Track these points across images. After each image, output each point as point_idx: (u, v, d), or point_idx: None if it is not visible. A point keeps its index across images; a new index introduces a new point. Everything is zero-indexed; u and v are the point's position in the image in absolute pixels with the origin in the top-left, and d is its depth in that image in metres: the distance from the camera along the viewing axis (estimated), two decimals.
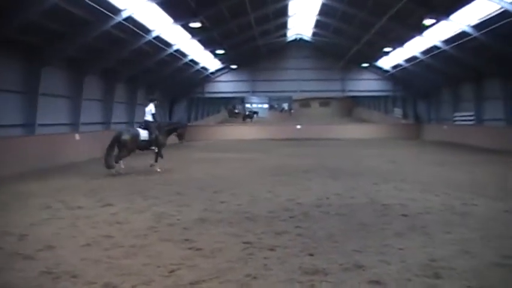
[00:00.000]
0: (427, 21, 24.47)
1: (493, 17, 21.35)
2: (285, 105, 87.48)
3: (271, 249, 7.04)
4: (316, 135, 42.30)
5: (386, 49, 34.34)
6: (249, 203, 11.02)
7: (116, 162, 16.72)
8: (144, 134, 17.39)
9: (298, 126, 46.00)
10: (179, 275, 5.96)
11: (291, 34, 41.78)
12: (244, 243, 7.42)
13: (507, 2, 19.88)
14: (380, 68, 43.06)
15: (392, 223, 8.77)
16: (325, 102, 76.36)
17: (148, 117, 17.77)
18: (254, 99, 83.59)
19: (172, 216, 9.52)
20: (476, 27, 23.49)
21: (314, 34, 40.35)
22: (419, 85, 42.38)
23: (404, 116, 49.38)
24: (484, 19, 22.17)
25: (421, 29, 26.99)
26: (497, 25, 21.39)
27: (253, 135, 42.93)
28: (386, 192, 12.49)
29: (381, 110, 58.59)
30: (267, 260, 6.52)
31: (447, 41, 27.53)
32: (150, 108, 17.81)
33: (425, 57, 32.10)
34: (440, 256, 6.66)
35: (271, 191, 12.78)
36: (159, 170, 17.55)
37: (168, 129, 18.53)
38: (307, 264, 6.30)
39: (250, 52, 40.64)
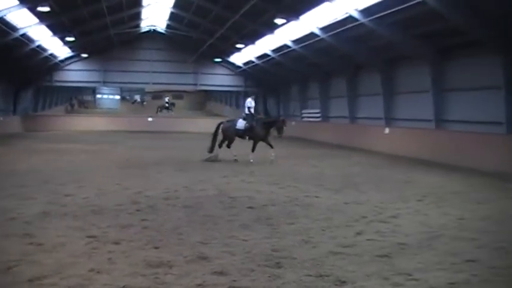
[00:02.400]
0: (278, 21, 25.35)
1: (340, 20, 22.57)
2: (137, 97, 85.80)
3: (116, 243, 6.92)
4: (168, 128, 41.93)
5: (238, 45, 35.02)
6: (95, 195, 10.74)
7: (220, 147, 19.01)
8: (240, 124, 19.09)
9: (150, 119, 45.45)
10: (18, 272, 5.67)
11: (145, 25, 41.12)
12: (88, 237, 7.23)
13: (352, 8, 21.09)
14: (232, 64, 43.83)
15: (238, 215, 8.99)
16: (178, 95, 76.13)
17: (247, 110, 19.59)
18: (105, 89, 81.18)
19: (13, 210, 9.01)
20: (324, 29, 24.69)
21: (168, 26, 40.07)
22: (270, 82, 43.80)
23: (255, 111, 50.54)
24: (331, 22, 23.33)
25: (272, 27, 27.78)
26: (343, 28, 22.65)
27: (104, 127, 41.59)
28: (234, 184, 12.80)
29: (233, 104, 59.68)
30: (111, 254, 6.39)
31: (297, 41, 28.65)
32: (248, 101, 19.92)
33: (276, 55, 33.19)
34: (283, 246, 6.94)
35: (119, 183, 12.54)
36: (252, 160, 18.41)
37: (265, 122, 20.05)
38: (151, 257, 6.27)
39: (102, 41, 39.39)
